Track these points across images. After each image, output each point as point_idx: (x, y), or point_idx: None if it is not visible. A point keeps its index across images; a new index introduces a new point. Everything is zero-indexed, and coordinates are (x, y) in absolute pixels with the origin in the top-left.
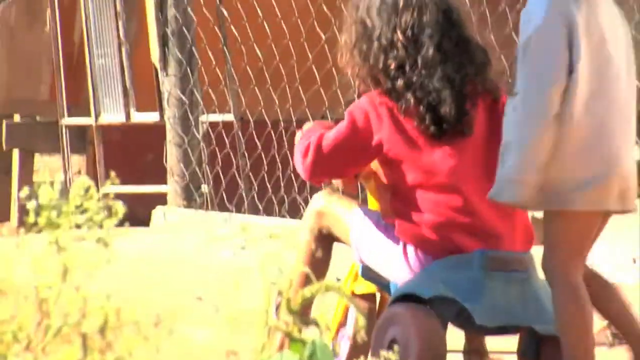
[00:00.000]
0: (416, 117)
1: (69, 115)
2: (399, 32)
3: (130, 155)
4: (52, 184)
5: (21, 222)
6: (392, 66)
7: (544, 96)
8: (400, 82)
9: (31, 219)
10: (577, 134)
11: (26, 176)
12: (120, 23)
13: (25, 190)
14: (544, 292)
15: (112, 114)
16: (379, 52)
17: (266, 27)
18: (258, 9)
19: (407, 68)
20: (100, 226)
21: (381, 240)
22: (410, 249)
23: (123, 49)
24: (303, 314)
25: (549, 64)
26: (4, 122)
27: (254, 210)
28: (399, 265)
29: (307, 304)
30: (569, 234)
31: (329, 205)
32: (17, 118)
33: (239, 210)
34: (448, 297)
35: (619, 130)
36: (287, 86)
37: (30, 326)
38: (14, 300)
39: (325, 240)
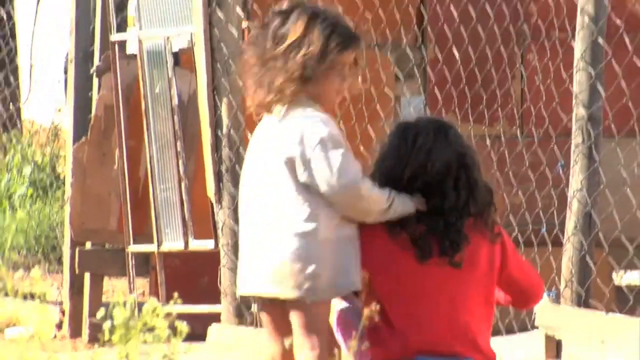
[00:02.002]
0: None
1: (135, 242)
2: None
3: (188, 278)
4: (124, 304)
5: (92, 338)
6: None
7: None
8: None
9: (106, 336)
10: None
11: (96, 297)
12: (180, 161)
13: (102, 311)
14: None
15: (172, 242)
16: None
17: None
18: None
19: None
20: (167, 342)
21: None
22: None
23: (182, 184)
24: None
25: None
26: (77, 249)
27: None
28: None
29: None
30: None
31: None
32: (88, 245)
33: None
34: None
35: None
36: None
37: None
38: None
39: None
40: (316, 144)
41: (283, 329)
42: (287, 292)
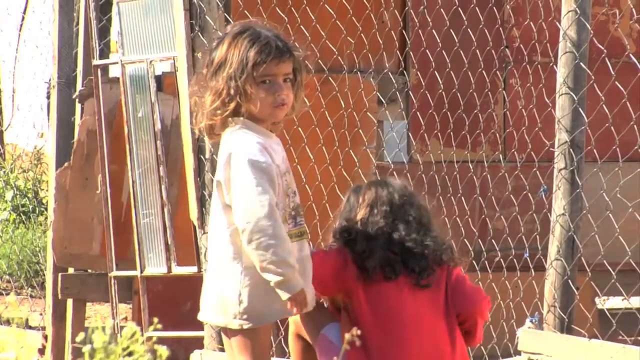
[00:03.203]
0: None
1: (117, 268)
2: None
3: (171, 303)
4: (103, 329)
5: None
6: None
7: None
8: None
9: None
10: None
11: (78, 322)
12: (163, 186)
13: (81, 335)
14: None
15: (155, 267)
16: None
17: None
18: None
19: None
20: None
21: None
22: None
23: (165, 209)
24: None
25: None
26: (60, 274)
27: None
28: None
29: None
30: None
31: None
32: (71, 270)
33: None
34: None
35: None
36: None
37: None
38: None
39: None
40: (234, 168)
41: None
42: (217, 320)
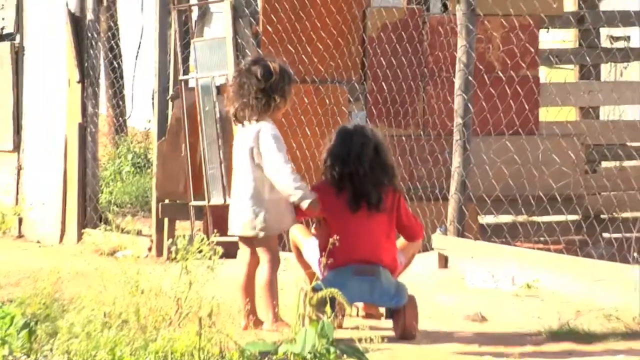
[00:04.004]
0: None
1: (194, 200)
2: (350, 159)
3: (225, 220)
4: (184, 237)
5: (169, 258)
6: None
7: None
8: (343, 182)
9: (173, 255)
10: None
11: (171, 232)
12: (220, 151)
13: (170, 241)
14: (388, 285)
15: (216, 199)
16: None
17: None
18: None
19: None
20: (209, 259)
21: (314, 253)
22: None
23: (222, 165)
24: (318, 305)
25: None
26: (160, 204)
27: None
28: (317, 266)
29: (320, 301)
30: None
31: (294, 234)
32: (166, 201)
33: None
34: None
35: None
36: None
37: (171, 312)
38: (162, 300)
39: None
40: (266, 139)
41: (252, 248)
42: (249, 233)
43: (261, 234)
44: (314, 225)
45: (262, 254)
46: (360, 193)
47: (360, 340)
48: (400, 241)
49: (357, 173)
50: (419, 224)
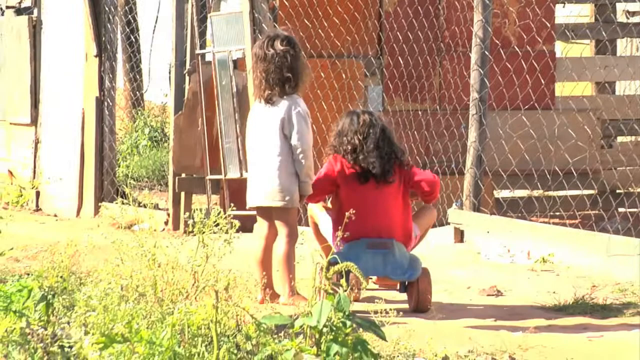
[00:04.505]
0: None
1: (211, 173)
2: (358, 135)
3: (242, 194)
4: (201, 210)
5: (185, 231)
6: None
7: None
8: (355, 156)
9: (190, 228)
10: None
11: (187, 206)
12: (237, 125)
13: (187, 215)
14: (401, 259)
15: (233, 173)
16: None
17: None
18: None
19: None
20: (226, 232)
21: (330, 227)
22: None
23: (238, 139)
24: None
25: None
26: (176, 178)
27: None
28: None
29: (336, 274)
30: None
31: (312, 208)
32: (183, 175)
33: None
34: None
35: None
36: None
37: (188, 286)
38: (179, 274)
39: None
40: (295, 113)
41: (270, 222)
42: (274, 203)
43: (288, 204)
44: (329, 199)
45: (281, 228)
46: (367, 165)
47: (376, 312)
48: (415, 213)
49: (364, 148)
50: (437, 181)
